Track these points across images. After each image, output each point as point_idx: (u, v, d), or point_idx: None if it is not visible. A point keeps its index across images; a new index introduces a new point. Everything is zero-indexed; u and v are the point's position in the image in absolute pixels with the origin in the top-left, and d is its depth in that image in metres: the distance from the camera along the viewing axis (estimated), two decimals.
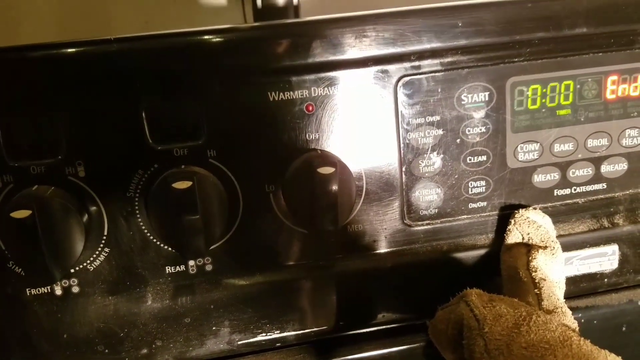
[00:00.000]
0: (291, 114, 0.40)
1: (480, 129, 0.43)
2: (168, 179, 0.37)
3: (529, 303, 0.39)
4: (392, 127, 0.42)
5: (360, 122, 0.41)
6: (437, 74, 0.42)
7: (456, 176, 0.44)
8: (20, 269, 0.39)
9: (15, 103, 0.37)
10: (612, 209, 0.47)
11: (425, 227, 0.45)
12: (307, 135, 0.41)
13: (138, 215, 0.40)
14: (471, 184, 0.44)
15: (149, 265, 0.41)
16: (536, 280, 0.40)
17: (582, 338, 0.33)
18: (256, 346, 0.44)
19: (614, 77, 0.44)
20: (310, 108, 0.40)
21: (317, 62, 0.39)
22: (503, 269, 0.43)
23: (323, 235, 0.43)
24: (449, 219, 0.45)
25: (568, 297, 0.45)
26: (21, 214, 0.34)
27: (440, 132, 0.43)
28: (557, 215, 0.46)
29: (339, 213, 0.38)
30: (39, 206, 0.35)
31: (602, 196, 0.47)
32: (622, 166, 0.46)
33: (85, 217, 0.38)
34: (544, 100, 0.44)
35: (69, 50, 0.37)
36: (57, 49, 0.37)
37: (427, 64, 0.41)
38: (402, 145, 0.42)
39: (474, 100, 0.43)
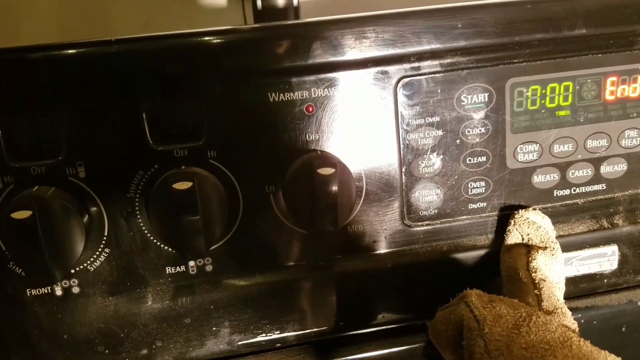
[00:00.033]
0: (291, 115, 0.40)
1: (480, 130, 0.43)
2: (168, 179, 0.37)
3: (528, 304, 0.39)
4: (392, 128, 0.42)
5: (360, 123, 0.41)
6: (436, 75, 0.42)
7: (456, 177, 0.44)
8: (20, 270, 0.40)
9: (16, 103, 0.37)
10: (611, 210, 0.47)
11: (425, 227, 0.45)
12: (307, 136, 0.41)
13: (138, 216, 0.40)
14: (471, 185, 0.44)
15: (149, 266, 0.41)
16: (536, 281, 0.40)
17: (582, 339, 0.33)
18: (256, 347, 0.44)
19: (613, 78, 0.44)
20: (310, 109, 0.40)
21: (317, 63, 0.39)
22: (503, 269, 0.43)
23: (323, 236, 0.43)
24: (449, 219, 0.45)
25: (568, 297, 0.45)
26: (22, 214, 0.34)
27: (440, 132, 0.43)
28: (557, 216, 0.46)
29: (338, 214, 0.38)
30: (40, 207, 0.35)
31: (601, 197, 0.47)
32: (621, 167, 0.47)
33: (86, 218, 0.39)
34: (543, 101, 0.44)
35: (70, 51, 0.37)
36: (58, 50, 0.37)
37: (427, 65, 0.41)
38: (402, 146, 0.43)
39: (474, 101, 0.43)
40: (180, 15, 0.66)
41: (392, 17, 0.40)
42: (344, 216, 0.40)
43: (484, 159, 0.44)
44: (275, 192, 0.41)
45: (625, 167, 0.47)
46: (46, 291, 0.40)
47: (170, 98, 0.39)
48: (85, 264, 0.40)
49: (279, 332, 0.44)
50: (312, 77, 0.40)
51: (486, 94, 0.43)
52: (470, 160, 0.44)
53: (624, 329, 0.49)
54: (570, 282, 0.47)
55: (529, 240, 0.44)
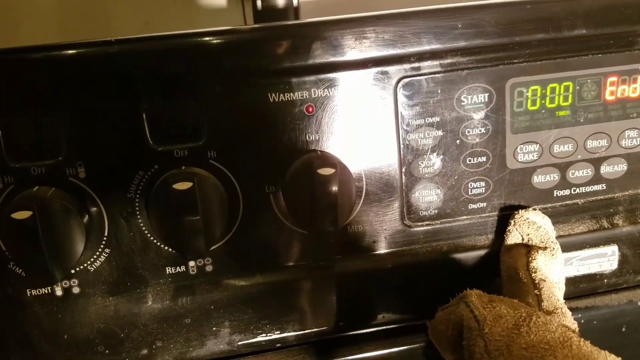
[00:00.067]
0: (291, 115, 0.40)
1: (480, 130, 0.43)
2: (168, 179, 0.37)
3: (528, 304, 0.39)
4: (392, 128, 0.42)
5: (360, 123, 0.41)
6: (436, 75, 0.42)
7: (456, 177, 0.44)
8: (20, 270, 0.40)
9: (16, 104, 0.37)
10: (611, 210, 0.47)
11: (425, 227, 0.45)
12: (307, 136, 0.41)
13: (138, 216, 0.40)
14: (471, 185, 0.44)
15: (149, 266, 0.41)
16: (536, 281, 0.40)
17: (582, 339, 0.33)
18: (256, 347, 0.44)
19: (614, 79, 0.44)
20: (310, 109, 0.40)
21: (317, 64, 0.39)
22: (503, 269, 0.43)
23: (323, 236, 0.43)
24: (449, 219, 0.45)
25: (568, 297, 0.45)
26: (22, 215, 0.34)
27: (440, 133, 0.43)
28: (557, 216, 0.46)
29: (338, 214, 0.38)
30: (40, 207, 0.35)
31: (601, 197, 0.47)
32: (621, 167, 0.47)
33: (86, 218, 0.39)
34: (543, 102, 0.44)
35: (70, 51, 0.37)
36: (58, 50, 0.37)
37: (427, 65, 0.41)
38: (402, 146, 0.43)
39: (474, 101, 0.43)
40: (180, 15, 0.66)
41: (392, 17, 0.40)
42: (344, 216, 0.40)
43: (484, 159, 0.44)
44: (275, 192, 0.41)
45: (625, 167, 0.47)
46: (46, 291, 0.40)
47: (171, 98, 0.39)
48: (85, 264, 0.40)
49: (279, 332, 0.44)
50: (312, 78, 0.40)
51: (486, 94, 0.43)
52: (470, 161, 0.44)
53: (624, 329, 0.49)
54: (570, 282, 0.47)
55: (529, 241, 0.44)
